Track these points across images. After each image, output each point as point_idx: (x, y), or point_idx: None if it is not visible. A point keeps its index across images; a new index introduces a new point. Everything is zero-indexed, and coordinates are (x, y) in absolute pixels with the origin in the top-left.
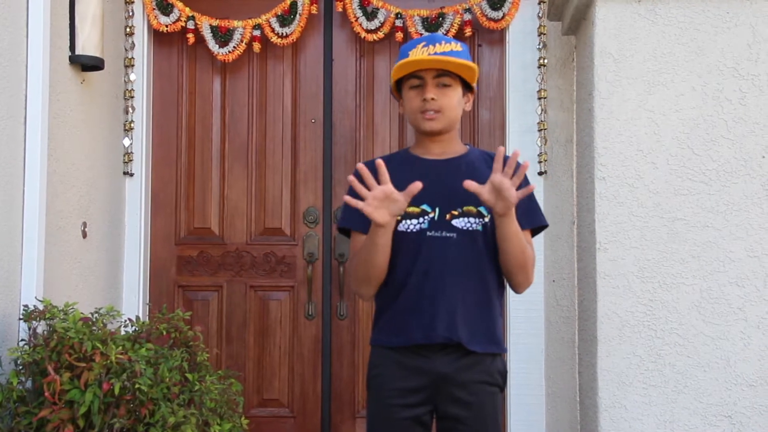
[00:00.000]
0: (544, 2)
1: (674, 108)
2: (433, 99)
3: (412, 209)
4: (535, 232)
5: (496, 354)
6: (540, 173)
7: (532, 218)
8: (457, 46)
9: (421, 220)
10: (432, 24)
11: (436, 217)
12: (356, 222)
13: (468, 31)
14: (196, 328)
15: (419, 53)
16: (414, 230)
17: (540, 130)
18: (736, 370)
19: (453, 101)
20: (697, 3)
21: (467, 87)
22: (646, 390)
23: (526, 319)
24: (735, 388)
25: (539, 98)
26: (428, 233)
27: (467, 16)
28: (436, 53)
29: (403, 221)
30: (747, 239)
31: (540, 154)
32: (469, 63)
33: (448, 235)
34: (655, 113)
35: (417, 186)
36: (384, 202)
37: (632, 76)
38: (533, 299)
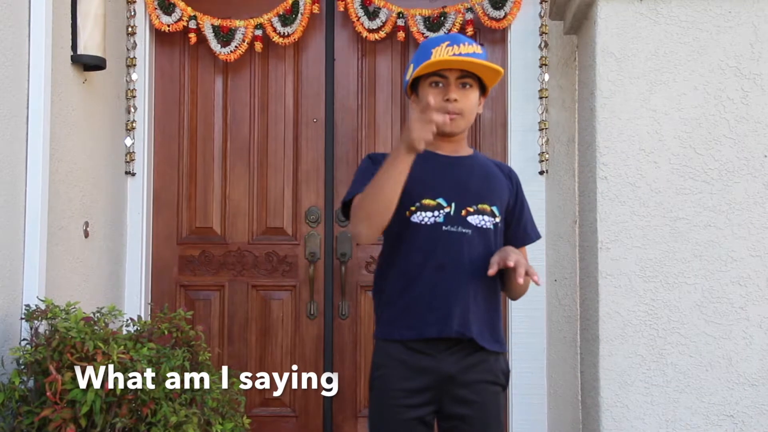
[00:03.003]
0: (545, 1)
1: (676, 107)
2: (456, 100)
3: (427, 201)
4: None
5: (499, 353)
6: (541, 172)
7: (531, 235)
8: (478, 48)
9: (436, 213)
10: (434, 23)
11: (452, 212)
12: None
13: (470, 31)
14: (198, 328)
15: (444, 52)
16: (428, 222)
17: (542, 130)
18: (738, 369)
19: (473, 103)
20: (699, 2)
21: (481, 89)
22: (648, 389)
23: (527, 318)
24: (737, 387)
25: (541, 97)
26: (444, 228)
27: (469, 16)
28: (461, 53)
29: (418, 212)
30: (749, 238)
31: (542, 153)
32: (499, 68)
33: (464, 231)
34: (657, 112)
35: (431, 99)
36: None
37: (634, 76)
38: (535, 299)
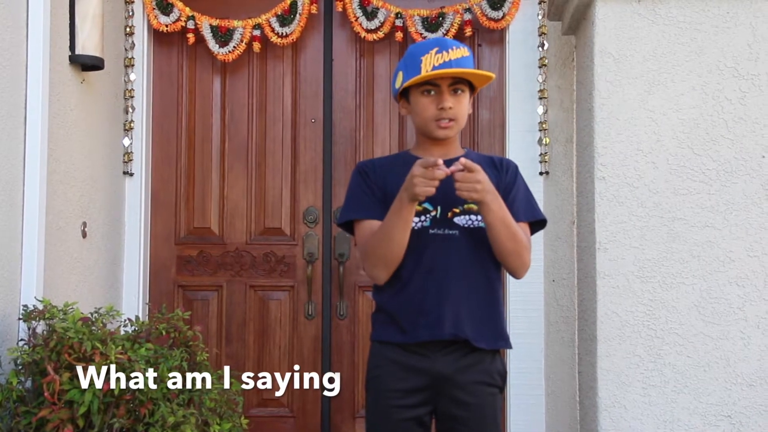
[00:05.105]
0: (544, 2)
1: (674, 108)
2: (451, 108)
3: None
4: (534, 227)
5: (497, 352)
6: (540, 173)
7: (528, 212)
8: (466, 51)
9: (423, 218)
10: (432, 24)
11: (438, 215)
12: (363, 211)
13: (468, 31)
14: (196, 328)
15: (434, 59)
16: (416, 228)
17: (540, 130)
18: (736, 369)
19: (465, 107)
20: (697, 3)
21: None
22: (645, 390)
23: (526, 318)
24: (735, 387)
25: (539, 98)
26: (431, 231)
27: (467, 16)
28: (451, 60)
29: None
30: (747, 239)
31: (540, 154)
32: (491, 74)
33: (450, 232)
34: (655, 113)
35: (439, 161)
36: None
37: (632, 76)
38: (533, 299)
